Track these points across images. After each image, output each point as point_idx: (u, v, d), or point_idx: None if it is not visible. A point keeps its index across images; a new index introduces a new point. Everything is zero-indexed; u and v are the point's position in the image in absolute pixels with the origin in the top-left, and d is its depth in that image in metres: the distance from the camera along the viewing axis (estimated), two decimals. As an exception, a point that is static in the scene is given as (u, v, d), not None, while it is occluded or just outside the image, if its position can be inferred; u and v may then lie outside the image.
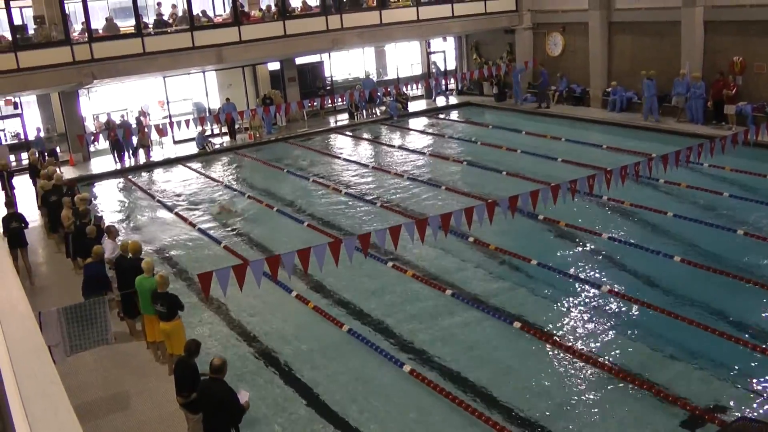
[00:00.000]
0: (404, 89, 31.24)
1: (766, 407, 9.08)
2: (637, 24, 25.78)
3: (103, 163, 25.91)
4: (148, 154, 25.93)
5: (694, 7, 23.02)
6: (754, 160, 18.43)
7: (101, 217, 17.04)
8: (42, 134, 26.23)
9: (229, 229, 17.84)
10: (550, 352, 10.81)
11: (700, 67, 23.30)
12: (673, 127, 23.13)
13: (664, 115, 24.21)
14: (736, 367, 9.99)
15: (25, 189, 21.34)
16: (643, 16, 25.40)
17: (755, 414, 8.85)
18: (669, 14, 24.11)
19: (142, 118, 27.79)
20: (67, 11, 23.66)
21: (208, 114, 27.44)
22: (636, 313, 11.73)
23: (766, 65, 21.80)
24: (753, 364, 10.01)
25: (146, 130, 25.48)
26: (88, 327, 10.34)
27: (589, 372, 10.20)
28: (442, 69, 34.61)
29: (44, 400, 2.77)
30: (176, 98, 29.62)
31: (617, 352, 10.68)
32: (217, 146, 27.25)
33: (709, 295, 11.99)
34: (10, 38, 22.41)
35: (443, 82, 32.22)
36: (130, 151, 25.74)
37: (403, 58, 35.35)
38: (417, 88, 32.30)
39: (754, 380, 9.68)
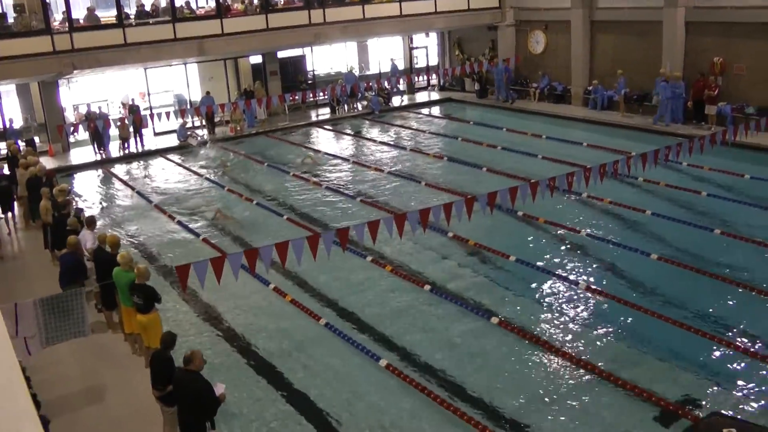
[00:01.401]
0: (386, 84, 31.19)
1: (738, 402, 9.18)
2: (619, 23, 25.91)
3: (82, 153, 25.73)
4: (126, 146, 25.76)
5: (675, 7, 23.17)
6: (732, 159, 18.63)
7: (81, 209, 16.89)
8: (15, 125, 25.91)
9: (208, 222, 17.75)
10: (527, 348, 10.86)
11: (681, 67, 23.48)
12: (653, 126, 23.27)
13: (643, 114, 24.43)
14: (710, 364, 10.11)
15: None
16: (625, 15, 25.53)
17: (728, 410, 8.95)
18: (651, 14, 24.24)
19: (123, 110, 27.63)
20: (47, 0, 23.42)
21: (189, 106, 27.39)
22: (612, 309, 11.81)
23: (746, 67, 22.00)
24: (727, 361, 10.12)
25: (126, 122, 25.28)
26: (65, 319, 10.22)
27: (563, 367, 10.27)
28: (400, 67, 33.50)
29: (3, 389, 2.74)
30: (157, 90, 29.41)
31: (592, 347, 10.76)
32: (200, 138, 27.15)
33: (685, 293, 12.10)
34: (-11, 26, 22.19)
35: (392, 81, 30.73)
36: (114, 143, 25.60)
37: (386, 53, 35.27)
38: (399, 84, 32.21)
39: (728, 376, 9.79)
